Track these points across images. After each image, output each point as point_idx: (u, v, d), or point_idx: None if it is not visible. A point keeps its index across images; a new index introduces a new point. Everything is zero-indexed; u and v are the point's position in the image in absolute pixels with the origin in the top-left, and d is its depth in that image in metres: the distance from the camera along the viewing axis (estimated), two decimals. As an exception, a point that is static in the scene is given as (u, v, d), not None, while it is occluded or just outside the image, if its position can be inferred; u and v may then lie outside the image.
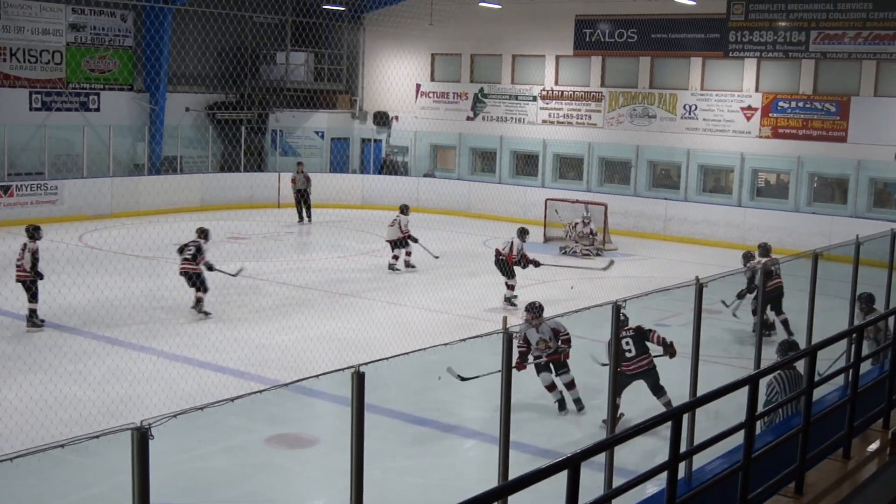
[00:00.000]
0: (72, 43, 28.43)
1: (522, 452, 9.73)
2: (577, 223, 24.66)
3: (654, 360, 11.39)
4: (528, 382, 12.00)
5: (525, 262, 18.06)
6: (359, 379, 5.49)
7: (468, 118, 32.03)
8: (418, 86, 32.92)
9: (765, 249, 16.62)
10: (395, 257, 21.07)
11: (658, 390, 11.35)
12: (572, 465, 4.90)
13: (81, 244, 22.86)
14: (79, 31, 28.60)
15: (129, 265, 20.38)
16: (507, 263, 18.02)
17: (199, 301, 16.18)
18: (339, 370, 6.06)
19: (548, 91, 30.42)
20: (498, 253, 18.22)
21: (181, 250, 16.45)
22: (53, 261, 20.40)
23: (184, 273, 16.32)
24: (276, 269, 20.56)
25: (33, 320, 15.24)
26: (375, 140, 33.54)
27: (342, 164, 33.36)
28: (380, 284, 19.62)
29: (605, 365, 9.24)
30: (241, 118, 31.98)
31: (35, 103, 27.57)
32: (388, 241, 21.15)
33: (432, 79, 32.94)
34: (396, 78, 32.38)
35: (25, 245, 15.61)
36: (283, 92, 32.63)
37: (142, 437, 4.57)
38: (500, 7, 29.82)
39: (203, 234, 16.79)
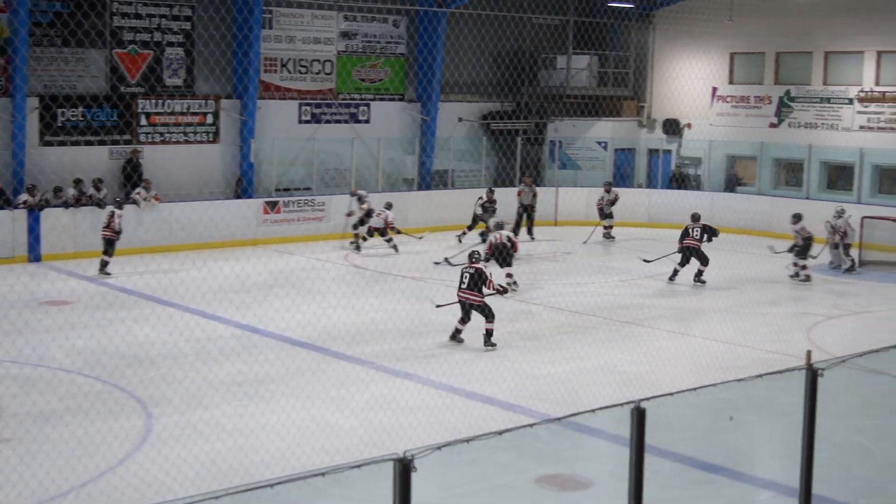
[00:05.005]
0: (343, 52, 29.88)
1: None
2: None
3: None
4: (831, 421, 11.49)
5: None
6: (639, 416, 5.47)
7: (771, 125, 31.13)
8: (714, 89, 32.34)
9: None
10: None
11: (464, 320, 16.46)
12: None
13: (347, 264, 23.93)
14: (350, 40, 30.03)
15: (395, 286, 21.12)
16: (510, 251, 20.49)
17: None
18: (618, 405, 6.05)
19: (867, 92, 29.09)
20: (504, 246, 20.21)
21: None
22: (319, 280, 21.58)
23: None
24: (551, 293, 20.72)
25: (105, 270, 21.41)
26: (664, 151, 33.19)
27: (627, 178, 33.21)
28: (665, 312, 19.37)
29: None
30: (517, 128, 32.50)
31: (304, 115, 29.15)
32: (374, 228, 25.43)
33: (731, 81, 32.26)
34: (689, 81, 31.93)
35: (114, 212, 21.67)
36: (563, 99, 32.88)
37: (404, 469, 4.74)
38: (810, -2, 28.89)
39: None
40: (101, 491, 10.18)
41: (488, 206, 26.77)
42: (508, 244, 20.41)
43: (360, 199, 26.08)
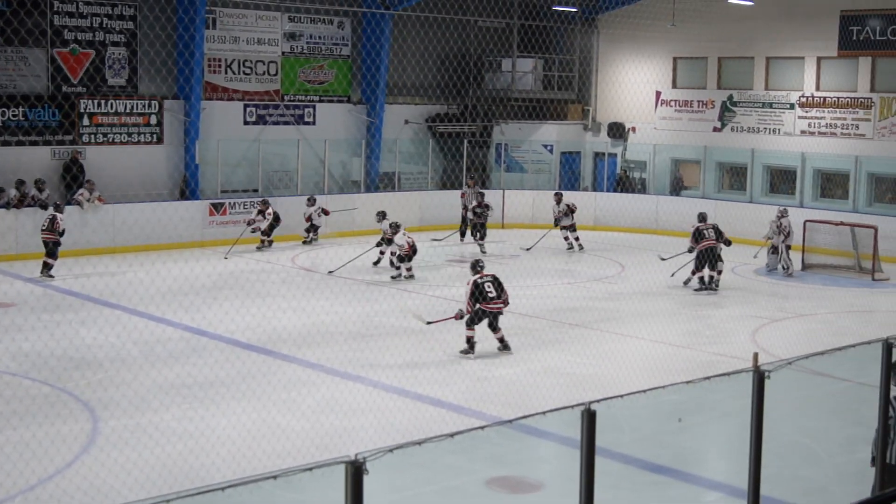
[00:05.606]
0: (287, 53, 29.78)
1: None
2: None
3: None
4: (778, 423, 11.66)
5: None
6: (589, 418, 5.52)
7: (715, 129, 31.47)
8: (658, 93, 32.63)
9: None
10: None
11: (495, 328, 16.05)
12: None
13: (294, 266, 23.85)
14: (295, 41, 29.93)
15: (345, 288, 21.09)
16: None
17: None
18: (568, 407, 6.09)
19: (807, 97, 29.53)
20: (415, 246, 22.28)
21: None
22: (269, 282, 21.49)
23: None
24: (499, 296, 20.77)
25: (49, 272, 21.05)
26: (610, 154, 33.43)
27: (572, 181, 33.42)
28: (613, 314, 19.51)
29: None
30: (463, 131, 32.60)
31: (249, 117, 29.02)
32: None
33: (674, 85, 32.57)
34: (633, 85, 32.20)
35: (55, 216, 21.28)
36: (509, 102, 33.04)
37: (356, 472, 4.76)
38: (752, 3, 29.20)
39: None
40: (50, 495, 10.09)
41: (479, 211, 26.93)
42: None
43: (265, 204, 26.00)
